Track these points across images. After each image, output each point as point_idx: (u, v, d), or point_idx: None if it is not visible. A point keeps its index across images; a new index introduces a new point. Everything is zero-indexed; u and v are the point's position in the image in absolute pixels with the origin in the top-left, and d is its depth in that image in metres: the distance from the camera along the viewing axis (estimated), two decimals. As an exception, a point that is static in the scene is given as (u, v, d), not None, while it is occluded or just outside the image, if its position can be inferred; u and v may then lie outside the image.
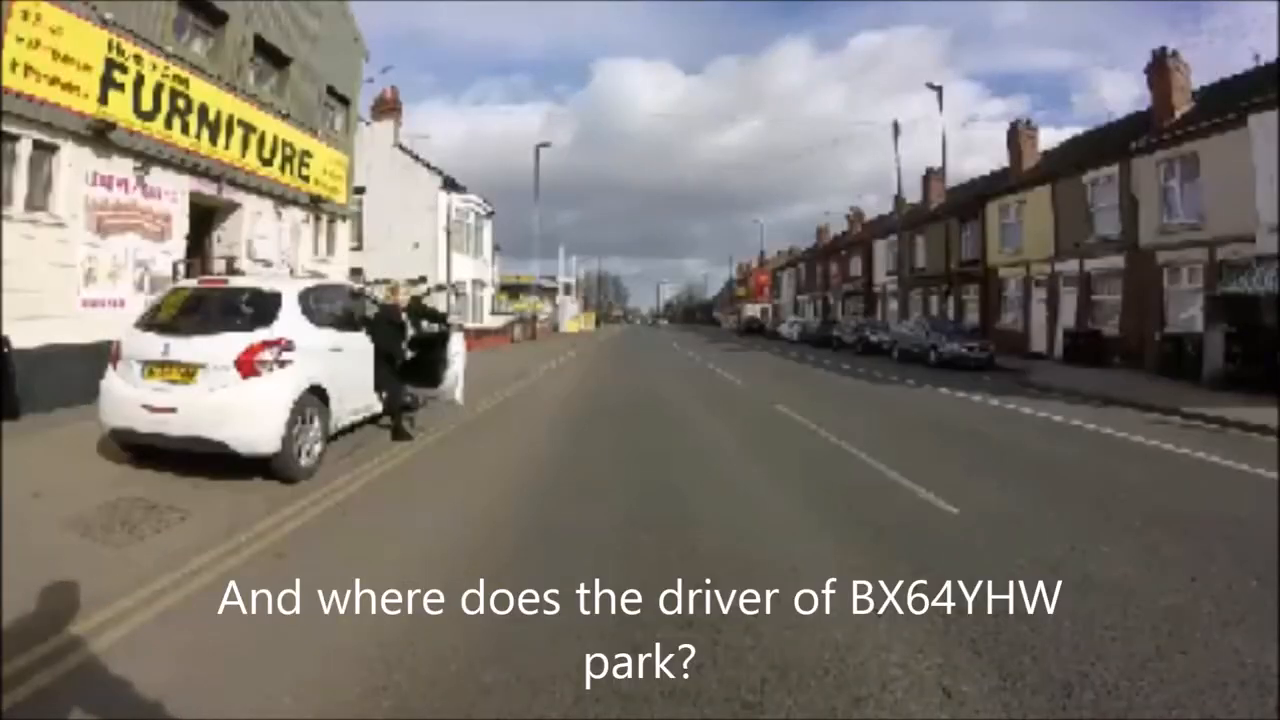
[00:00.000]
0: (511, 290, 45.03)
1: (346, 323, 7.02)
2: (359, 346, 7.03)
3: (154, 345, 5.50)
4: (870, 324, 29.14)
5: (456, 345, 8.07)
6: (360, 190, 22.39)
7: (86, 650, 2.89)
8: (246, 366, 5.40)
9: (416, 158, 28.16)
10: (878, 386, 15.13)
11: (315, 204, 15.10)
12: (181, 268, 10.71)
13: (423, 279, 24.69)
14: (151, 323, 5.84)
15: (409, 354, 7.83)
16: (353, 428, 7.28)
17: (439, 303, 23.06)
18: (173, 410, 5.29)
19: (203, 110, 11.10)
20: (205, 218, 12.25)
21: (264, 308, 5.86)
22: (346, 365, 6.66)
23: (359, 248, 24.01)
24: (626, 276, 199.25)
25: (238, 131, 12.05)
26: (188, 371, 5.40)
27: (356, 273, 21.19)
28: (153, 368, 5.48)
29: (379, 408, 7.49)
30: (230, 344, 5.47)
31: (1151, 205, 17.74)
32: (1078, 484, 6.15)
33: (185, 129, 10.75)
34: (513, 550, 4.21)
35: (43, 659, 2.79)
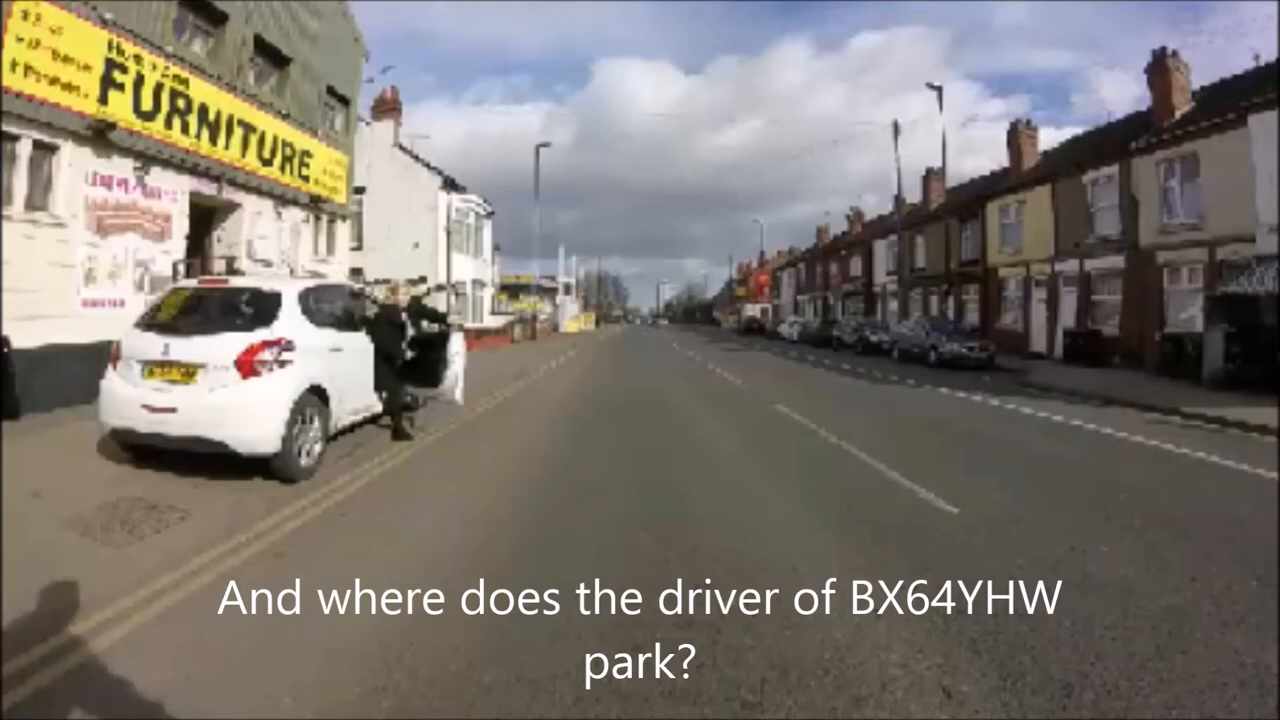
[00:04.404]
0: (511, 290, 45.02)
1: (346, 323, 7.02)
2: (359, 346, 7.03)
3: (154, 345, 5.51)
4: (870, 324, 29.10)
5: (456, 345, 8.06)
6: (360, 190, 22.38)
7: (86, 650, 2.88)
8: (246, 366, 5.40)
9: (416, 158, 28.13)
10: (877, 386, 15.12)
11: (315, 204, 15.10)
12: (181, 268, 10.70)
13: (423, 279, 24.67)
14: (151, 323, 5.84)
15: (409, 354, 7.83)
16: (353, 428, 7.28)
17: (439, 303, 23.05)
18: (173, 410, 5.29)
19: (203, 110, 11.10)
20: (205, 218, 12.25)
21: (264, 308, 5.86)
22: (346, 365, 6.66)
23: (359, 248, 23.99)
24: (626, 276, 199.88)
25: (238, 131, 12.04)
26: (188, 371, 5.41)
27: (356, 273, 21.18)
28: (153, 368, 5.48)
29: (379, 408, 7.49)
30: (230, 344, 5.47)
31: (1151, 205, 17.73)
32: (1078, 484, 6.14)
33: (185, 129, 10.75)
34: (513, 550, 4.20)
35: (43, 659, 2.79)
